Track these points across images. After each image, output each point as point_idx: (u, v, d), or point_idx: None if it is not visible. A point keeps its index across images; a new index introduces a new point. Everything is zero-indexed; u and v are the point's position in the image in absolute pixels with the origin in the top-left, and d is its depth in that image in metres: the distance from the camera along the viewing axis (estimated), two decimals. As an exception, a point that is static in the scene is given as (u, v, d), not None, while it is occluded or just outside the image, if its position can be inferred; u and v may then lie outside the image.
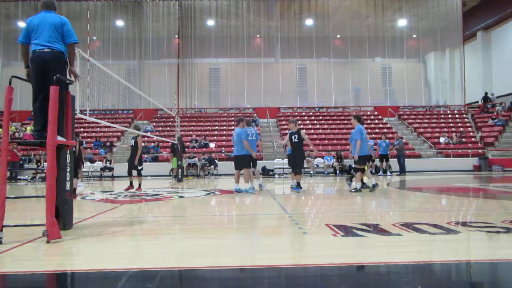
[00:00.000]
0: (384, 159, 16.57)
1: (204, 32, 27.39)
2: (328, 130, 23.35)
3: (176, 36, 27.12)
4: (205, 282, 2.64)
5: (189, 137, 21.15)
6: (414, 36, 28.22)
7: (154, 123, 24.06)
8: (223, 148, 20.58)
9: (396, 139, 17.89)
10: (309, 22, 27.67)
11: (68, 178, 4.43)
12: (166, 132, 22.18)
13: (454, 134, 21.86)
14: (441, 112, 26.15)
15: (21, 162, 18.03)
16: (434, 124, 24.14)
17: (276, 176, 17.96)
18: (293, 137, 8.84)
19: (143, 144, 20.15)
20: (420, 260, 2.97)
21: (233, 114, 25.57)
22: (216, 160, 18.69)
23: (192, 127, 23.61)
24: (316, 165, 18.54)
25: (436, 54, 28.25)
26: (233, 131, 9.36)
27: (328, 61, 27.77)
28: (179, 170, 14.24)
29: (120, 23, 27.42)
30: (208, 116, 25.62)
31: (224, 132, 23.01)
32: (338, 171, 18.13)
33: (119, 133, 22.73)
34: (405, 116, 25.45)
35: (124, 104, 25.71)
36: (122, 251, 3.47)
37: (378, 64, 28.65)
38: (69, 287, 2.66)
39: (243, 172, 8.85)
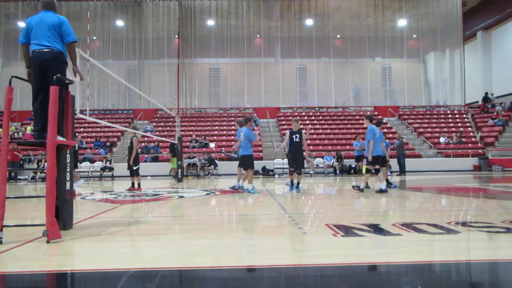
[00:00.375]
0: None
1: (204, 32, 27.40)
2: (328, 130, 23.36)
3: (176, 36, 27.13)
4: (205, 282, 2.64)
5: (189, 137, 21.15)
6: (414, 36, 28.23)
7: (154, 123, 24.06)
8: (223, 148, 20.58)
9: (397, 139, 17.84)
10: (309, 22, 27.68)
11: (68, 178, 4.43)
12: (166, 132, 22.19)
13: (454, 134, 21.86)
14: (441, 112, 26.16)
15: (21, 162, 18.04)
16: (434, 124, 24.15)
17: (276, 176, 17.96)
18: (294, 136, 8.77)
19: (143, 144, 20.32)
20: (420, 260, 2.97)
21: (233, 114, 25.58)
22: (216, 160, 18.69)
23: (192, 127, 23.62)
24: (316, 165, 18.55)
25: (436, 54, 28.25)
26: (238, 130, 9.34)
27: (328, 61, 27.78)
28: (179, 170, 14.24)
29: (120, 23, 27.43)
30: (208, 116, 25.63)
31: (224, 132, 23.01)
32: (338, 171, 18.13)
33: (119, 133, 22.73)
34: (405, 116, 25.45)
35: (124, 104, 25.71)
36: (122, 251, 3.47)
37: (378, 64, 28.65)
38: (69, 287, 2.66)
39: (247, 173, 8.87)
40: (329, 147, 20.95)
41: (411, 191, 9.23)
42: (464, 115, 25.21)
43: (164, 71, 27.21)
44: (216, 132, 23.11)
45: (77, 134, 19.91)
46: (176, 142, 14.70)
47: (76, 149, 13.38)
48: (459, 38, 27.01)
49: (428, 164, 19.75)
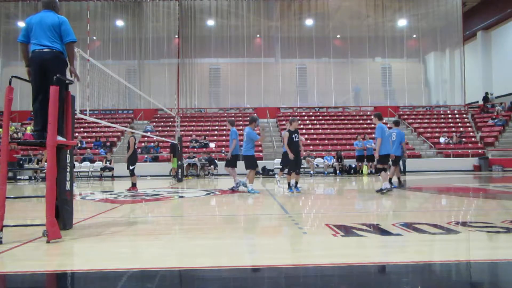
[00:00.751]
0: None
1: (204, 32, 27.39)
2: (328, 130, 23.35)
3: (176, 36, 27.13)
4: (205, 282, 2.64)
5: (189, 137, 21.15)
6: (414, 36, 28.22)
7: (154, 123, 24.06)
8: (223, 148, 20.57)
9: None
10: (309, 22, 27.67)
11: (68, 178, 4.43)
12: (166, 132, 22.18)
13: (454, 134, 21.86)
14: (441, 112, 26.15)
15: (21, 162, 18.05)
16: (434, 124, 24.14)
17: (276, 176, 17.93)
18: (293, 136, 8.75)
19: (142, 144, 20.32)
20: (420, 260, 2.97)
21: (233, 114, 25.57)
22: (216, 160, 18.69)
23: (192, 127, 23.62)
24: (316, 165, 18.54)
25: (436, 54, 28.24)
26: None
27: (328, 61, 27.77)
28: (179, 170, 14.24)
29: (120, 23, 27.42)
30: (208, 116, 25.62)
31: (224, 132, 23.00)
32: (338, 171, 18.13)
33: (119, 133, 22.73)
34: (405, 116, 25.44)
35: (124, 104, 25.70)
36: (122, 251, 3.47)
37: (378, 64, 28.64)
38: (69, 287, 2.66)
39: (249, 173, 8.88)
40: (329, 147, 20.95)
41: (411, 191, 9.23)
42: (464, 115, 25.20)
43: (164, 71, 27.20)
44: (216, 132, 23.11)
45: (77, 134, 19.93)
46: (176, 142, 14.70)
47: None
48: (459, 38, 27.00)
49: (428, 164, 19.75)
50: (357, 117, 25.43)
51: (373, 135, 19.50)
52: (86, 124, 22.94)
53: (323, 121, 24.67)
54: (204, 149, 19.97)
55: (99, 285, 2.62)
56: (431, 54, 28.60)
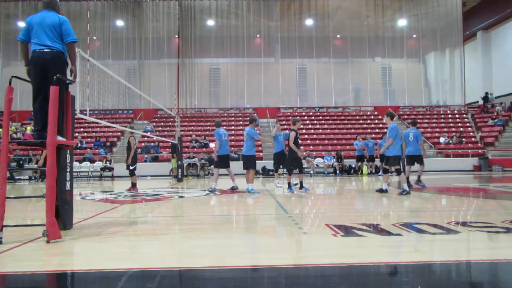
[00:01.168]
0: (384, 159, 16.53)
1: (204, 32, 27.39)
2: (328, 130, 23.35)
3: (176, 36, 27.12)
4: (205, 282, 2.64)
5: (189, 137, 21.15)
6: (414, 36, 28.22)
7: (154, 123, 24.05)
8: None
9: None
10: (309, 22, 27.67)
11: (68, 178, 4.43)
12: (166, 132, 22.18)
13: (454, 134, 21.86)
14: (441, 112, 26.15)
15: (21, 162, 18.05)
16: (434, 124, 24.14)
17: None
18: (298, 136, 8.77)
19: (142, 144, 20.32)
20: (420, 260, 2.97)
21: (233, 114, 25.58)
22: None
23: (192, 127, 23.61)
24: (316, 165, 18.55)
25: (436, 54, 28.25)
26: (243, 130, 9.39)
27: (328, 61, 27.77)
28: (179, 170, 14.24)
29: (120, 23, 27.42)
30: (208, 116, 25.61)
31: (224, 132, 22.98)
32: (338, 171, 18.13)
33: (119, 133, 22.73)
34: (405, 116, 25.43)
35: (124, 104, 25.68)
36: (122, 251, 3.47)
37: (378, 64, 28.64)
38: (69, 287, 2.66)
39: (249, 172, 8.87)
40: (329, 147, 20.95)
41: (411, 191, 9.22)
42: (464, 115, 25.20)
43: (164, 71, 27.20)
44: (216, 132, 23.06)
45: (77, 134, 19.92)
46: (176, 142, 14.70)
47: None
48: (459, 38, 26.99)
49: (428, 164, 19.59)
50: (357, 117, 25.43)
51: (373, 135, 19.64)
52: (86, 124, 22.93)
53: (323, 121, 24.66)
54: (204, 149, 19.97)
55: (99, 285, 2.62)
56: (431, 54, 28.61)
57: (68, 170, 4.45)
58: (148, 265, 2.91)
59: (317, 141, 21.94)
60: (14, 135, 18.57)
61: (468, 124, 24.05)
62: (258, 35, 27.79)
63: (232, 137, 21.95)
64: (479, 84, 27.11)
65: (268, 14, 27.32)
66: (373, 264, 2.88)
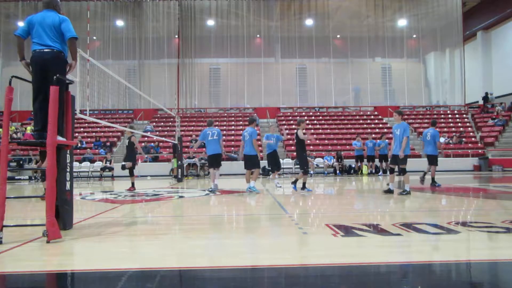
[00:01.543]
0: (384, 159, 16.54)
1: (204, 32, 27.39)
2: (328, 130, 23.35)
3: (176, 36, 27.12)
4: (205, 282, 2.64)
5: (189, 137, 21.14)
6: (414, 36, 28.22)
7: (154, 123, 24.05)
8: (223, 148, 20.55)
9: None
10: (309, 22, 27.67)
11: (68, 178, 4.43)
12: (166, 132, 22.18)
13: (454, 134, 21.86)
14: (441, 112, 26.15)
15: (21, 162, 18.05)
16: (434, 124, 24.11)
17: (277, 176, 17.92)
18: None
19: (142, 144, 20.31)
20: (420, 260, 2.97)
21: (233, 114, 25.57)
22: (216, 160, 18.64)
23: (192, 127, 23.60)
24: (316, 165, 18.54)
25: (436, 54, 28.24)
26: (243, 131, 9.37)
27: (328, 61, 27.77)
28: (179, 170, 14.24)
29: (120, 23, 27.42)
30: (208, 116, 25.59)
31: (224, 132, 22.99)
32: (338, 171, 18.13)
33: (119, 133, 22.73)
34: (405, 116, 25.42)
35: (124, 104, 25.69)
36: (122, 251, 3.47)
37: (378, 64, 28.64)
38: (69, 287, 2.66)
39: (254, 172, 8.88)
40: (329, 147, 20.95)
41: (411, 191, 9.22)
42: (464, 115, 25.20)
43: (164, 71, 27.20)
44: (216, 132, 23.06)
45: (77, 134, 19.92)
46: (176, 142, 14.70)
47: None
48: (459, 38, 26.99)
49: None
50: (357, 117, 25.43)
51: (373, 135, 19.60)
52: (86, 124, 22.93)
53: (323, 121, 24.66)
54: (204, 149, 19.95)
55: (99, 285, 2.62)
56: (431, 54, 28.60)
57: (68, 170, 4.45)
58: (148, 265, 2.91)
59: (317, 141, 21.93)
60: (14, 135, 18.57)
61: (468, 124, 24.05)
62: (258, 35, 27.79)
63: (232, 137, 21.98)
64: (479, 84, 27.10)
65: (268, 14, 27.32)
66: (373, 264, 2.88)
